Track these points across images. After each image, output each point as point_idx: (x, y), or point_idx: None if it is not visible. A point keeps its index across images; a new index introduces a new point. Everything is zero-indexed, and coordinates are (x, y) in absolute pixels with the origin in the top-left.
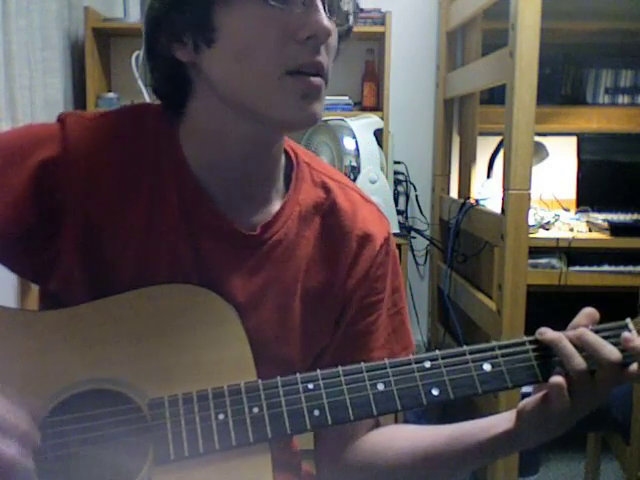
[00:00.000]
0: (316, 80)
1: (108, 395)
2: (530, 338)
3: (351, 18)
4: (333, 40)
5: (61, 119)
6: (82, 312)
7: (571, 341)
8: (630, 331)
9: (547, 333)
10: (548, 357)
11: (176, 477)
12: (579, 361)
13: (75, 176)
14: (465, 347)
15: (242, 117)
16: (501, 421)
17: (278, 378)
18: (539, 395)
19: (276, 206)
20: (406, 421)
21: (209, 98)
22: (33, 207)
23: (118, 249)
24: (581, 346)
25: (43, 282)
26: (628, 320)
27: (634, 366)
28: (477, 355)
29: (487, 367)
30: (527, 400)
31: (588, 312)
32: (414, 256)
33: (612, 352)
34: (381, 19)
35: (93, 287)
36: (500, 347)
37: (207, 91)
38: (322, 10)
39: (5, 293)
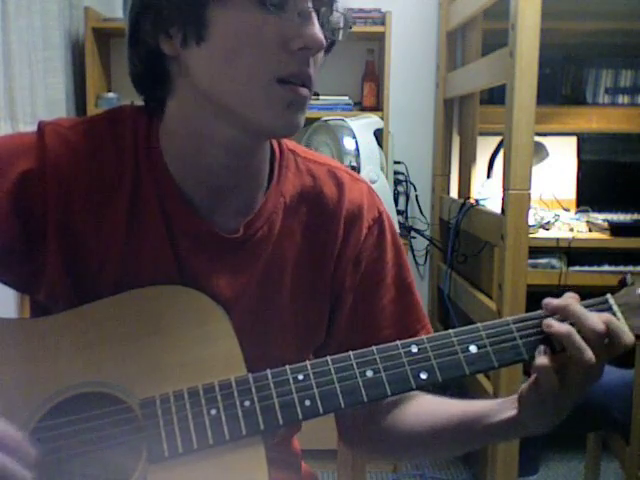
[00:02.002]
0: (303, 90)
1: (99, 398)
2: (514, 318)
3: (341, 33)
4: (321, 53)
5: (40, 129)
6: (68, 318)
7: (557, 310)
8: (611, 306)
9: (553, 326)
10: (532, 335)
11: (171, 474)
12: (589, 354)
13: (54, 187)
14: (450, 330)
15: (222, 120)
16: (506, 407)
17: (268, 371)
18: (531, 379)
19: (259, 202)
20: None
21: (188, 97)
22: (14, 220)
23: (101, 255)
24: (565, 316)
25: (31, 292)
26: (608, 296)
27: (617, 341)
28: (462, 337)
29: (473, 348)
30: (523, 385)
31: (569, 297)
32: (414, 256)
33: (597, 323)
34: (381, 19)
35: (79, 295)
36: (485, 328)
37: (187, 89)
38: (317, 23)
39: (5, 302)
